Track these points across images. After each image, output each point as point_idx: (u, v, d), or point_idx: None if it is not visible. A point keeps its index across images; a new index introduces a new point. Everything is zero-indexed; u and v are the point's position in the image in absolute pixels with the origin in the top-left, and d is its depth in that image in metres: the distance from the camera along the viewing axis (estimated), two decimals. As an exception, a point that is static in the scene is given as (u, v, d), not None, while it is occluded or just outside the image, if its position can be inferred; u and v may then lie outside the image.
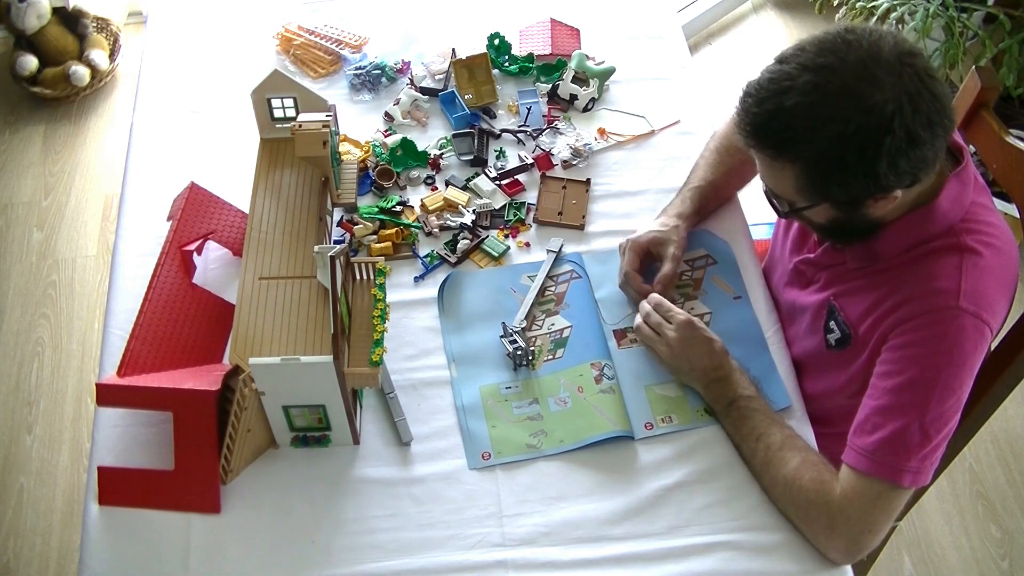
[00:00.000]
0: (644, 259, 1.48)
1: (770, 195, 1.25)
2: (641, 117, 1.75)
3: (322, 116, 1.39)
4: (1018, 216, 1.40)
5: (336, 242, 1.51)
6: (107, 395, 1.27)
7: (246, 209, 1.56)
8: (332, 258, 1.20)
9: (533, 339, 1.45)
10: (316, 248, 1.25)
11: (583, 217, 1.59)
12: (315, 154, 1.37)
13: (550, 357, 1.43)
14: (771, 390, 1.39)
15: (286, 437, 1.30)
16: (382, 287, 1.31)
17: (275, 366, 1.17)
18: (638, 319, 1.42)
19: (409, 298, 1.50)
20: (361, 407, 1.36)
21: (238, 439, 1.24)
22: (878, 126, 1.06)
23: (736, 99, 1.16)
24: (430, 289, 1.51)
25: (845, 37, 1.09)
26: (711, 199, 1.54)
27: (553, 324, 1.47)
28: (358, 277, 1.36)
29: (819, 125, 1.08)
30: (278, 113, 1.46)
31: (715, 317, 1.47)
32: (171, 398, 1.26)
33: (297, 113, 1.45)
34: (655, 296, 1.41)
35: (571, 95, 1.75)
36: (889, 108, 1.06)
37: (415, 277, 1.52)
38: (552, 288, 1.51)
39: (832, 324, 1.33)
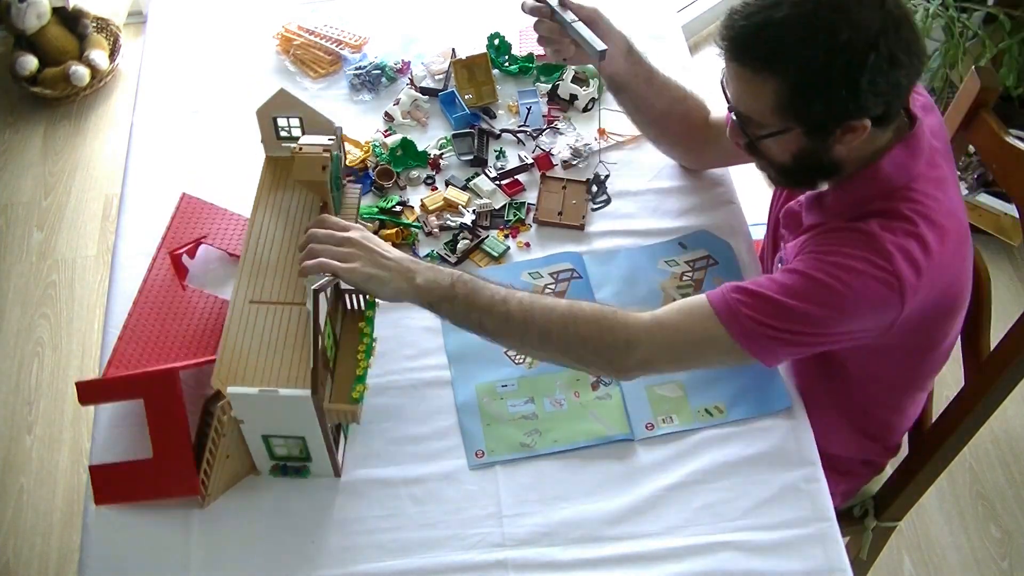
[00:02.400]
0: None
1: (740, 121, 1.22)
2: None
3: (324, 139, 1.35)
4: (1018, 216, 1.40)
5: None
6: (87, 392, 1.28)
7: (245, 212, 1.57)
8: (315, 291, 1.16)
9: None
10: (305, 280, 1.21)
11: (583, 217, 1.59)
12: (313, 178, 1.34)
13: None
14: (771, 391, 1.39)
15: (266, 465, 1.28)
16: (370, 320, 1.29)
17: (253, 396, 1.15)
18: (307, 260, 1.22)
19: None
20: (346, 438, 1.33)
21: (216, 464, 1.22)
22: (865, 41, 1.09)
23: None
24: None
25: None
26: (646, 66, 1.50)
27: None
28: (349, 307, 1.33)
29: (809, 35, 1.10)
30: (284, 132, 1.43)
31: None
32: (138, 383, 1.26)
33: (303, 133, 1.42)
34: (306, 236, 1.26)
35: (571, 95, 1.75)
36: (876, 26, 1.09)
37: None
38: (552, 288, 1.51)
39: (777, 267, 1.35)
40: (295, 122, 1.40)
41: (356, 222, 1.41)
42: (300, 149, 1.33)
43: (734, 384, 1.39)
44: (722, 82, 1.24)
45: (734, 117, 1.23)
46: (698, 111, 1.54)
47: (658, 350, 1.22)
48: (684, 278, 1.52)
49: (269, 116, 1.40)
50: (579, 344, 1.23)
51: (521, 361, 1.42)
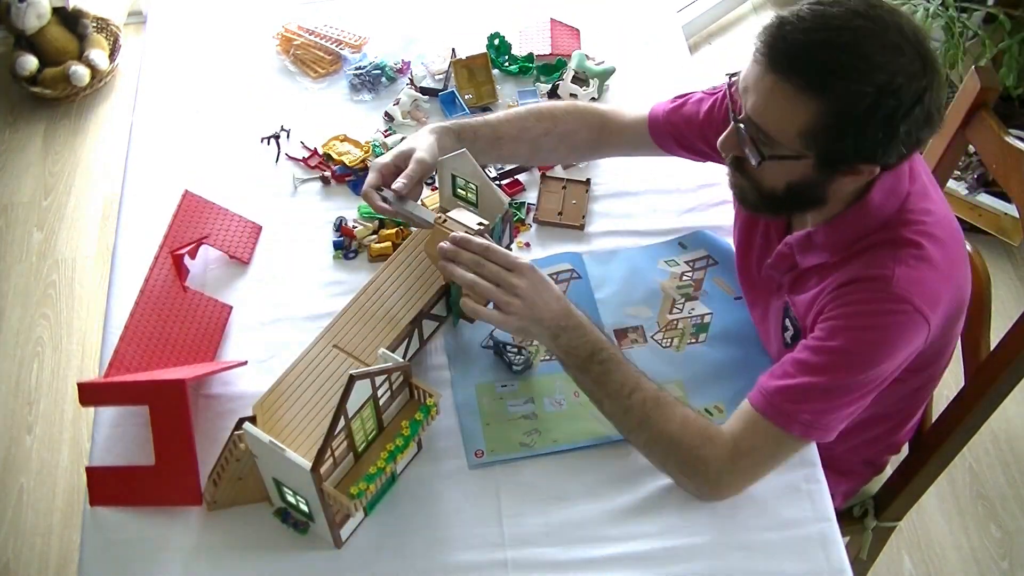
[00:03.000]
0: (391, 176, 1.35)
1: (750, 137, 1.15)
2: (641, 117, 1.75)
3: (475, 220, 1.28)
4: (1018, 216, 1.40)
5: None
6: (88, 394, 1.28)
7: (244, 212, 1.57)
8: (352, 376, 1.06)
9: (532, 339, 1.44)
10: (381, 351, 1.17)
11: (583, 217, 1.59)
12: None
13: (548, 357, 1.43)
14: None
15: (275, 501, 1.24)
16: (415, 424, 1.20)
17: (263, 443, 1.11)
18: (467, 275, 1.23)
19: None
20: (366, 515, 1.26)
21: (224, 480, 1.19)
22: (915, 92, 1.07)
23: (761, 32, 1.12)
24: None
25: (886, 5, 1.09)
26: (488, 137, 1.45)
27: None
28: (414, 396, 1.23)
29: (868, 68, 1.06)
30: (460, 191, 1.36)
31: (716, 318, 1.47)
32: (144, 390, 1.26)
33: (476, 202, 1.34)
34: (480, 242, 1.24)
35: (571, 95, 1.75)
36: (925, 81, 1.07)
37: None
38: None
39: (787, 322, 1.33)
40: (472, 187, 1.33)
41: (454, 320, 1.39)
42: (444, 221, 1.28)
43: (734, 384, 1.39)
44: (732, 90, 1.20)
45: (741, 127, 1.16)
46: (583, 124, 1.51)
47: (743, 477, 1.23)
48: (684, 278, 1.52)
49: (449, 171, 1.33)
50: (676, 468, 1.25)
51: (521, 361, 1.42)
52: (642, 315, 1.48)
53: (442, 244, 1.24)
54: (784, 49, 1.09)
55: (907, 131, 1.09)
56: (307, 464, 1.09)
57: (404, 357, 1.27)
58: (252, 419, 1.18)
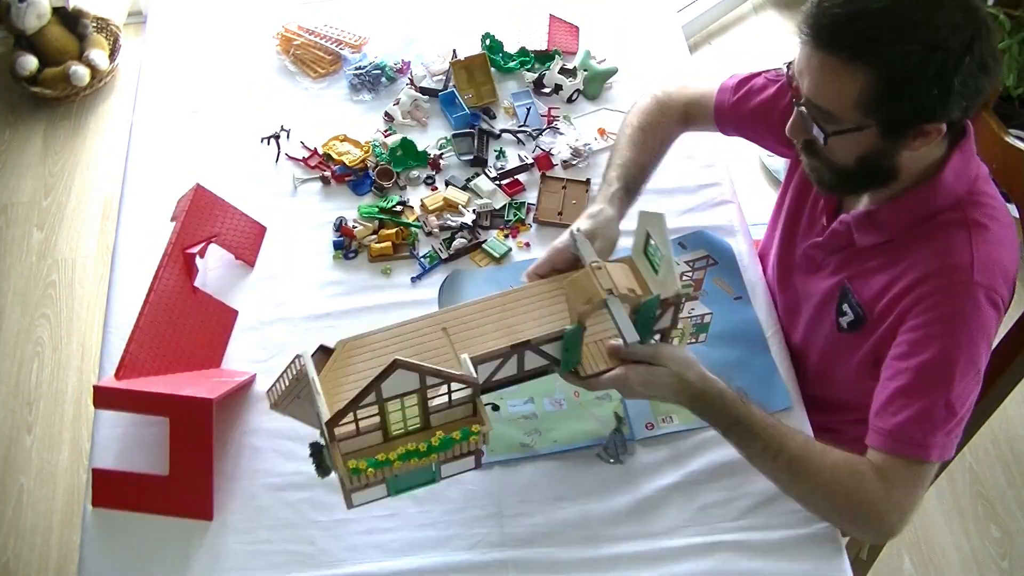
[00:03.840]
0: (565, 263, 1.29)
1: (812, 116, 1.16)
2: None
3: (630, 285, 1.17)
4: (1018, 216, 1.41)
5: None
6: (104, 398, 1.28)
7: (248, 212, 1.57)
8: (396, 361, 1.02)
9: None
10: (463, 356, 1.12)
11: (583, 217, 1.59)
12: (576, 309, 1.17)
13: None
14: (771, 391, 1.39)
15: (319, 436, 1.16)
16: (447, 441, 1.11)
17: (307, 374, 1.08)
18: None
19: (409, 299, 1.50)
20: (389, 494, 1.16)
21: (285, 392, 1.14)
22: (962, 42, 1.06)
23: (806, 6, 1.12)
24: (430, 289, 1.51)
25: None
26: (638, 178, 1.45)
27: None
28: (475, 414, 1.14)
29: (910, 28, 1.06)
30: (649, 253, 1.24)
31: (716, 318, 1.47)
32: (168, 404, 1.26)
33: (656, 270, 1.22)
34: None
35: (556, 85, 1.75)
36: (972, 28, 1.07)
37: (412, 277, 1.52)
38: None
39: (845, 307, 1.31)
40: (659, 252, 1.21)
41: (578, 362, 1.24)
42: (597, 269, 1.17)
43: (734, 384, 1.39)
44: (790, 75, 1.19)
45: (803, 110, 1.17)
46: (653, 134, 1.50)
47: (902, 514, 1.19)
48: (684, 278, 1.52)
49: (645, 227, 1.22)
50: (838, 518, 1.23)
51: None
52: None
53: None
54: (825, 25, 1.09)
55: (963, 82, 1.08)
56: (326, 415, 1.06)
57: (490, 377, 1.19)
58: (329, 351, 1.14)
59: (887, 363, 1.21)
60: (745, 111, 1.46)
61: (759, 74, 1.46)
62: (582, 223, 1.32)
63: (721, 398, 1.22)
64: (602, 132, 1.71)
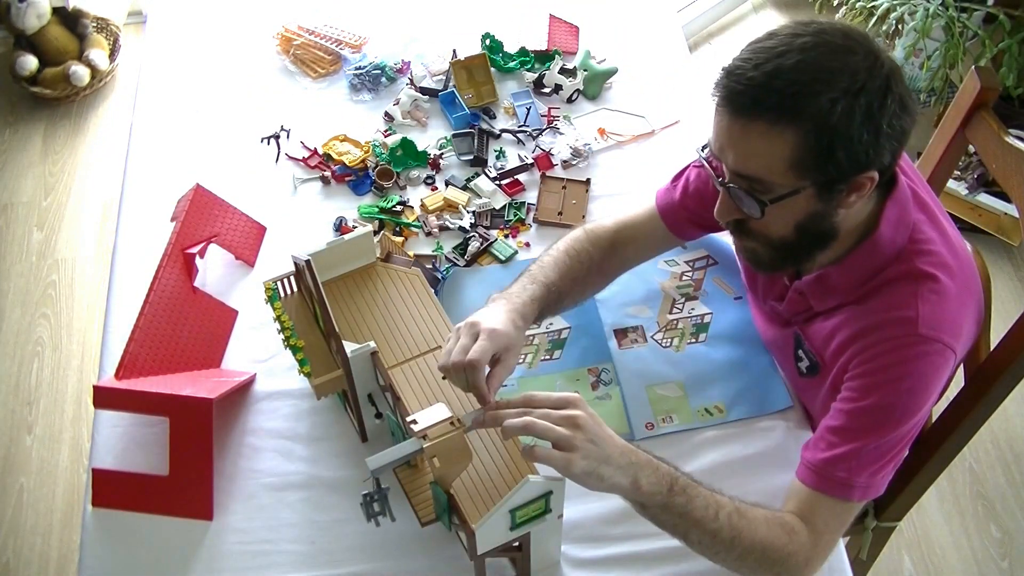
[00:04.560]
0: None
1: (745, 188, 1.11)
2: (641, 117, 1.75)
3: (442, 415, 1.10)
4: (1018, 216, 1.40)
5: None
6: (103, 398, 1.28)
7: (248, 212, 1.57)
8: (307, 262, 1.13)
9: (531, 338, 1.44)
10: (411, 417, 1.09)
11: (583, 217, 1.59)
12: (464, 463, 1.10)
13: (547, 357, 1.43)
14: (771, 391, 1.39)
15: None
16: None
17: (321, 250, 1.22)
18: (516, 421, 1.08)
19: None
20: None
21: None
22: (883, 83, 1.04)
23: (713, 86, 1.09)
24: (430, 289, 1.51)
25: (813, 20, 1.08)
26: (552, 304, 1.33)
27: (551, 324, 1.46)
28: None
29: (828, 77, 1.03)
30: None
31: (716, 318, 1.47)
32: (168, 404, 1.26)
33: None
34: (517, 398, 1.12)
35: (556, 84, 1.75)
36: (886, 68, 1.05)
37: (436, 291, 1.49)
38: None
39: (800, 353, 1.31)
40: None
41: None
42: (425, 435, 1.08)
43: (734, 384, 1.40)
44: (706, 157, 1.16)
45: (731, 187, 1.12)
46: (579, 262, 1.37)
47: (822, 558, 1.19)
48: (684, 278, 1.52)
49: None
50: (771, 565, 1.17)
51: (521, 361, 1.42)
52: (642, 315, 1.48)
53: (490, 414, 1.09)
54: (741, 91, 1.06)
55: (889, 123, 1.06)
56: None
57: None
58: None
59: (832, 406, 1.20)
60: (690, 200, 1.38)
61: (685, 168, 1.41)
62: (499, 330, 1.18)
63: (648, 454, 1.13)
64: (602, 132, 1.72)
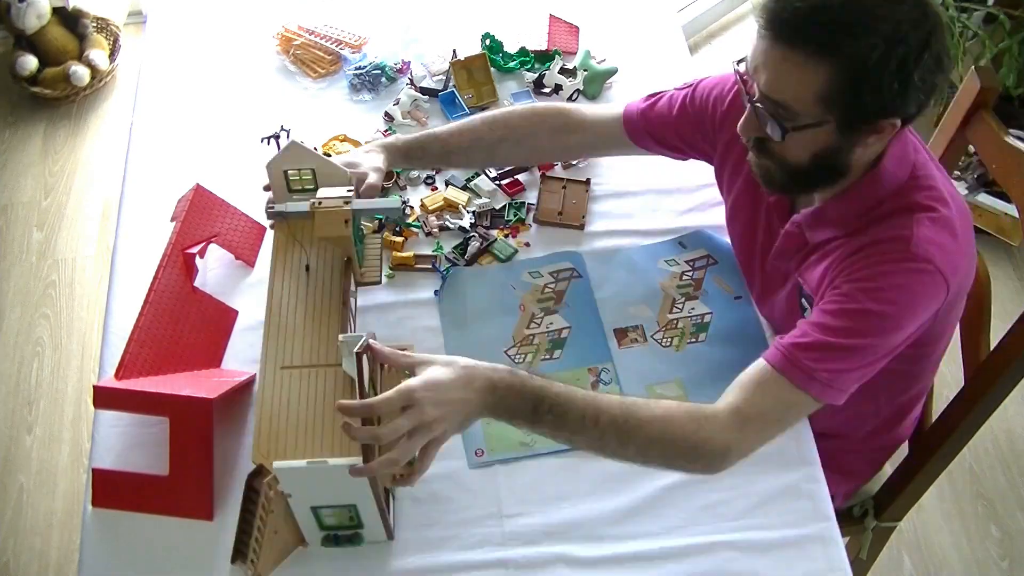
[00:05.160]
0: None
1: (767, 113, 1.14)
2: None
3: (342, 191, 1.27)
4: (1018, 216, 1.40)
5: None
6: (103, 398, 1.27)
7: (248, 212, 1.57)
8: (358, 354, 1.08)
9: (531, 338, 1.44)
10: (341, 337, 1.14)
11: (583, 217, 1.59)
12: (337, 234, 1.25)
13: (547, 357, 1.43)
14: None
15: (316, 536, 1.22)
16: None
17: (301, 469, 1.09)
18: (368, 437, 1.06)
19: (409, 297, 1.49)
20: (394, 499, 1.28)
21: (264, 543, 1.15)
22: (921, 37, 1.06)
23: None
24: (427, 289, 1.51)
25: None
26: (434, 154, 1.47)
27: (552, 323, 1.46)
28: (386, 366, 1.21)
29: (872, 21, 1.05)
30: (295, 185, 1.35)
31: (716, 317, 1.47)
32: (168, 404, 1.25)
33: (315, 185, 1.33)
34: (354, 404, 1.06)
35: (556, 85, 1.75)
36: (928, 24, 1.07)
37: (435, 291, 1.50)
38: (552, 286, 1.51)
39: (803, 302, 1.31)
40: (307, 174, 1.33)
41: (380, 272, 1.37)
42: (319, 204, 1.26)
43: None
44: (742, 72, 1.18)
45: (759, 106, 1.15)
46: (544, 126, 1.50)
47: (751, 442, 1.17)
48: (684, 277, 1.52)
49: (281, 169, 1.33)
50: (679, 458, 1.16)
51: (521, 361, 1.42)
52: (642, 314, 1.48)
53: (344, 425, 1.06)
54: (786, 19, 1.09)
55: (921, 77, 1.08)
56: (356, 459, 1.07)
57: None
58: (258, 470, 1.16)
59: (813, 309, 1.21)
60: (654, 114, 1.46)
61: (663, 91, 1.47)
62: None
63: (515, 376, 1.12)
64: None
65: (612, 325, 1.46)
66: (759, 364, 1.19)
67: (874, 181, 1.20)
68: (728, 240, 1.54)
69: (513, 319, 1.46)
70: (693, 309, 1.48)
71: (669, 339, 1.45)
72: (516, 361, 1.42)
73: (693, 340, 1.45)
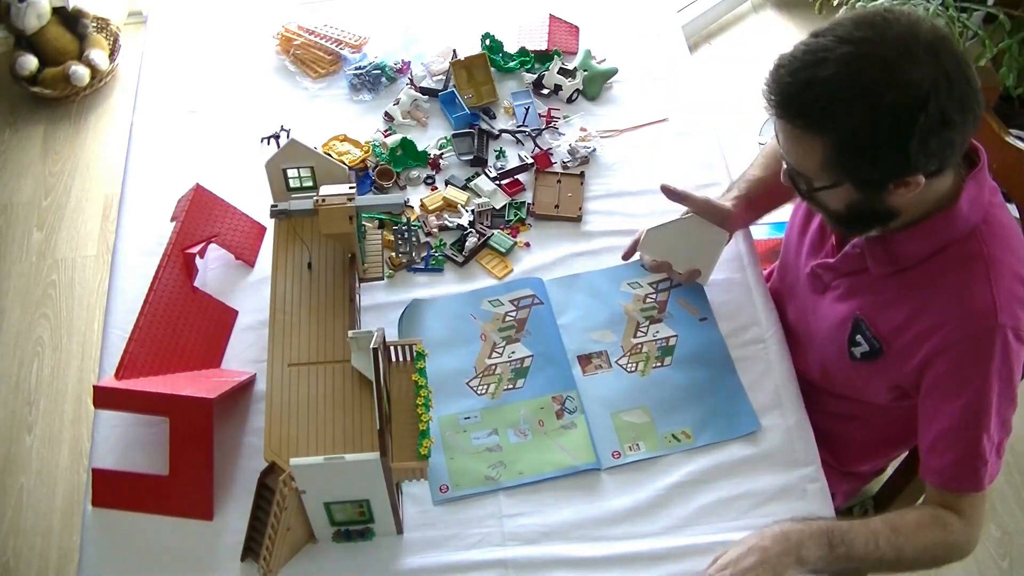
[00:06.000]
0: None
1: (790, 174, 1.21)
2: (652, 122, 1.75)
3: (345, 188, 1.28)
4: (1018, 216, 1.41)
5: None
6: (104, 398, 1.27)
7: (248, 211, 1.57)
8: (375, 350, 1.11)
9: (493, 368, 1.42)
10: (351, 333, 1.17)
11: (579, 209, 1.59)
12: (341, 231, 1.26)
13: (510, 387, 1.40)
14: (738, 414, 1.37)
15: (327, 532, 1.23)
16: (423, 372, 1.22)
17: (318, 466, 1.10)
18: None
19: (408, 297, 1.50)
20: (402, 494, 1.30)
21: (278, 539, 1.16)
22: (914, 102, 1.05)
23: (767, 73, 1.13)
24: (430, 288, 1.51)
25: (884, 15, 1.08)
26: (761, 195, 1.49)
27: (514, 352, 1.44)
28: (394, 360, 1.25)
29: (855, 97, 1.06)
30: (294, 183, 1.37)
31: (681, 340, 1.45)
32: (168, 404, 1.26)
33: (314, 183, 1.36)
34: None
35: (556, 85, 1.75)
36: (926, 85, 1.05)
37: (415, 268, 1.52)
38: (513, 314, 1.48)
39: (859, 338, 1.30)
40: (306, 172, 1.34)
41: (383, 269, 1.40)
42: (323, 201, 1.27)
43: (701, 409, 1.38)
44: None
45: (784, 167, 1.21)
46: (778, 160, 1.51)
47: (979, 532, 1.27)
48: (647, 300, 1.50)
49: (279, 167, 1.33)
50: (943, 561, 1.27)
51: (484, 392, 1.40)
52: (606, 340, 1.46)
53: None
54: (780, 93, 1.11)
55: (922, 141, 1.06)
56: (374, 454, 1.10)
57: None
58: (270, 467, 1.17)
59: (923, 401, 1.24)
60: None
61: None
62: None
63: (800, 530, 1.22)
64: (612, 132, 1.71)
65: (576, 352, 1.44)
66: (944, 494, 1.25)
67: (948, 220, 1.19)
68: (703, 291, 1.53)
69: (474, 349, 1.44)
70: (658, 332, 1.46)
71: (634, 364, 1.43)
72: (478, 392, 1.40)
73: (659, 364, 1.43)
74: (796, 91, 1.09)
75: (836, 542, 1.20)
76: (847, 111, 1.06)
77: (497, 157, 1.68)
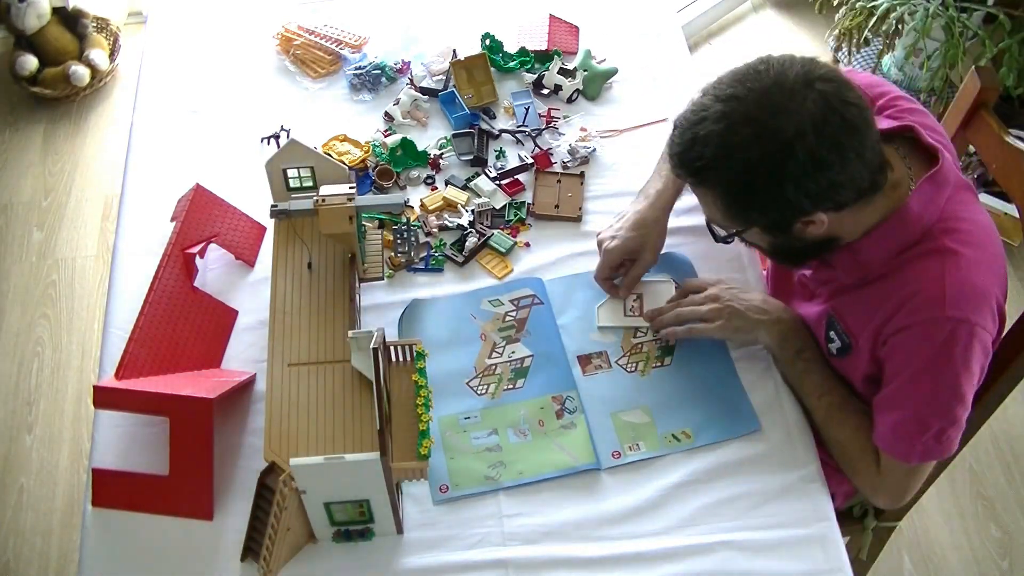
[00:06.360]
0: (618, 267, 1.49)
1: (707, 223, 1.30)
2: (652, 122, 1.75)
3: (345, 188, 1.28)
4: (1018, 216, 1.40)
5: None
6: (104, 398, 1.27)
7: (248, 212, 1.57)
8: (375, 350, 1.12)
9: (493, 368, 1.42)
10: (351, 334, 1.17)
11: (579, 209, 1.59)
12: (341, 231, 1.27)
13: (510, 387, 1.40)
14: (739, 414, 1.37)
15: (327, 532, 1.23)
16: (423, 372, 1.22)
17: (319, 466, 1.10)
18: (668, 316, 1.42)
19: (408, 297, 1.50)
20: (402, 493, 1.29)
21: (278, 539, 1.17)
22: (779, 151, 1.10)
23: None
24: (430, 288, 1.51)
25: (756, 67, 1.14)
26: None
27: (514, 352, 1.44)
28: (394, 360, 1.25)
29: (728, 153, 1.13)
30: (294, 183, 1.37)
31: (686, 341, 1.44)
32: (168, 404, 1.25)
33: (314, 183, 1.36)
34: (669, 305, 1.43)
35: (556, 85, 1.75)
36: (788, 133, 1.10)
37: (415, 268, 1.52)
38: (513, 314, 1.48)
39: (832, 334, 1.34)
40: (306, 172, 1.34)
41: (383, 268, 1.42)
42: (323, 201, 1.27)
43: (702, 409, 1.38)
44: None
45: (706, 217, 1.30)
46: None
47: (889, 496, 1.36)
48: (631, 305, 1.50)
49: (279, 168, 1.33)
50: (845, 468, 1.37)
51: (484, 392, 1.40)
52: (606, 340, 1.45)
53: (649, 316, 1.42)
54: (672, 152, 1.20)
55: (796, 185, 1.12)
56: (374, 454, 1.10)
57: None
58: (270, 467, 1.17)
59: (885, 380, 1.28)
60: None
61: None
62: (616, 245, 1.46)
63: (802, 322, 1.36)
64: (612, 132, 1.71)
65: (575, 352, 1.44)
66: (879, 449, 1.31)
67: (898, 223, 1.22)
68: (688, 259, 1.54)
69: (475, 349, 1.44)
70: (659, 332, 1.46)
71: (634, 364, 1.43)
72: (478, 392, 1.40)
73: (659, 364, 1.43)
74: (683, 150, 1.17)
75: (801, 359, 1.36)
76: (725, 166, 1.14)
77: (497, 157, 1.68)
